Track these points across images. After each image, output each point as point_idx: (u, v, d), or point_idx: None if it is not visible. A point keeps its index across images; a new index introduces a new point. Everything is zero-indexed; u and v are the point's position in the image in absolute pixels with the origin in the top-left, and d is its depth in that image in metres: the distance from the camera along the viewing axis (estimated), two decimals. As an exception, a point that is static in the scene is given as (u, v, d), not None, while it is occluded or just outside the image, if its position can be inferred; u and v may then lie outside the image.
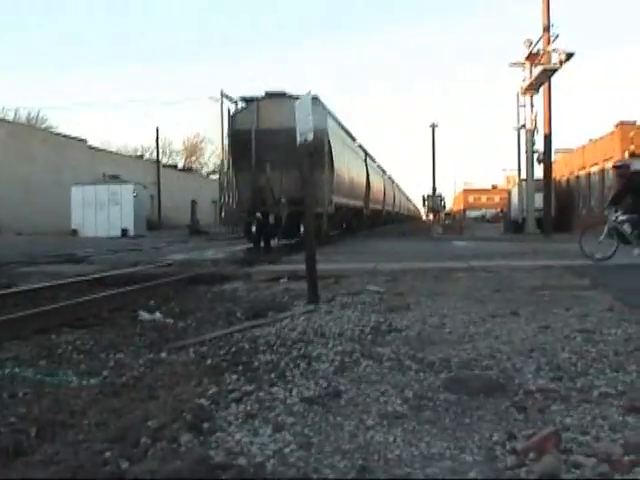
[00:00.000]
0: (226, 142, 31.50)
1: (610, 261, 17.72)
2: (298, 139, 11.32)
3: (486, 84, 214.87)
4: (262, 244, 29.20)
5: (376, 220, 54.68)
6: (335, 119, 34.32)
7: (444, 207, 58.57)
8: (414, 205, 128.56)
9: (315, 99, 24.41)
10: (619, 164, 19.81)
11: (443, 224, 55.50)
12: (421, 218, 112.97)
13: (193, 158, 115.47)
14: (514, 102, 44.31)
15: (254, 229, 28.14)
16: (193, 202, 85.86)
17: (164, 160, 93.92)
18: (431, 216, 50.76)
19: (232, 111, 31.35)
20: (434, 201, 48.24)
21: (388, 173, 68.50)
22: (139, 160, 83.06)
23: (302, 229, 22.98)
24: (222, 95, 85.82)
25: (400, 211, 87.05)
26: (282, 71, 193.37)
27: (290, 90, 28.31)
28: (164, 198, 72.69)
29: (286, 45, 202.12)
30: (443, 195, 54.30)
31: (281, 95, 28.73)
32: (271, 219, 27.55)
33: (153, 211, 67.66)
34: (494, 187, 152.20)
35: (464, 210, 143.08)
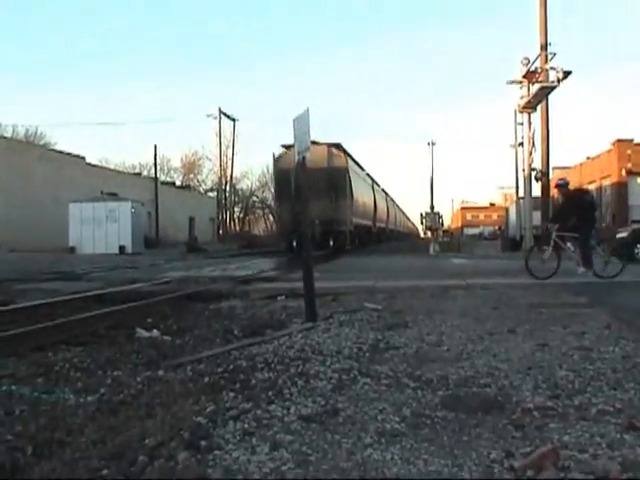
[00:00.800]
0: (269, 180, 47.80)
1: (615, 279, 17.71)
2: (296, 157, 11.34)
3: (483, 102, 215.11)
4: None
5: (381, 236, 64.36)
6: (353, 159, 46.79)
7: (442, 225, 58.42)
8: (412, 223, 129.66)
9: (338, 146, 41.36)
10: (560, 182, 19.57)
11: (441, 241, 55.48)
12: (419, 235, 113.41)
13: (191, 175, 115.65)
14: (512, 120, 44.49)
15: (294, 244, 37.78)
16: (191, 219, 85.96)
17: (162, 177, 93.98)
18: (429, 233, 50.60)
19: (276, 155, 42.57)
20: (432, 219, 48.18)
21: (389, 193, 77.89)
22: (137, 177, 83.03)
23: (331, 243, 39.51)
24: (220, 113, 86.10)
25: (399, 229, 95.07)
26: (280, 89, 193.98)
27: (317, 137, 36.53)
28: (162, 215, 72.68)
29: (284, 63, 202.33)
30: (441, 213, 54.31)
31: (313, 142, 27.69)
32: (315, 237, 32.93)
33: (151, 228, 67.63)
34: (492, 205, 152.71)
35: (462, 228, 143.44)
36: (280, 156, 41.80)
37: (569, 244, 18.70)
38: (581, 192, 20.31)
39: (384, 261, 31.48)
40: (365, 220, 50.48)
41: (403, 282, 17.22)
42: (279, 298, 14.48)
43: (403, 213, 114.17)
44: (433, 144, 67.71)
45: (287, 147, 39.57)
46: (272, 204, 56.12)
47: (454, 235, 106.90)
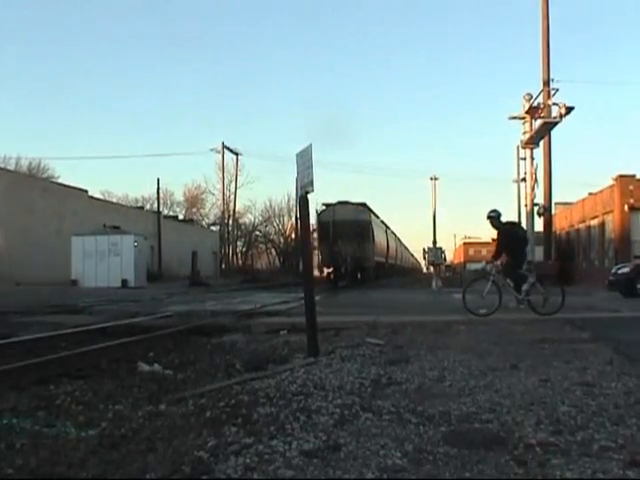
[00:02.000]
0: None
1: (609, 314, 17.71)
2: (299, 192, 11.37)
3: (487, 138, 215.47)
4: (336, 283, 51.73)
5: (390, 271, 75.40)
6: (374, 213, 61.33)
7: (444, 260, 58.34)
8: (415, 258, 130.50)
9: (364, 204, 56.36)
10: (491, 214, 19.28)
11: (443, 276, 55.39)
12: (422, 270, 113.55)
13: (194, 209, 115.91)
14: (514, 155, 44.61)
15: (332, 276, 53.01)
16: (194, 253, 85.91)
17: (165, 211, 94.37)
18: (431, 269, 50.52)
19: (318, 210, 56.26)
20: (434, 254, 48.09)
21: (395, 233, 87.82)
22: (140, 211, 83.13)
23: (359, 275, 53.81)
24: (223, 147, 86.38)
25: (404, 264, 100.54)
26: (283, 124, 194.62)
27: (349, 197, 56.33)
28: (165, 249, 72.75)
29: (288, 98, 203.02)
30: (443, 248, 54.18)
31: (345, 202, 55.19)
32: (342, 270, 52.36)
33: (153, 262, 67.64)
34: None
35: (464, 263, 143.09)
36: (322, 211, 56.06)
37: (508, 280, 18.70)
38: (512, 225, 20.09)
39: (387, 296, 31.51)
40: (381, 258, 64.31)
41: (405, 317, 17.21)
42: (281, 332, 14.47)
43: (407, 249, 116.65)
44: (435, 179, 67.85)
45: (326, 205, 56.10)
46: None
47: (457, 270, 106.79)
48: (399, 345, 11.89)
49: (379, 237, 62.45)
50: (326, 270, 54.66)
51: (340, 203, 55.28)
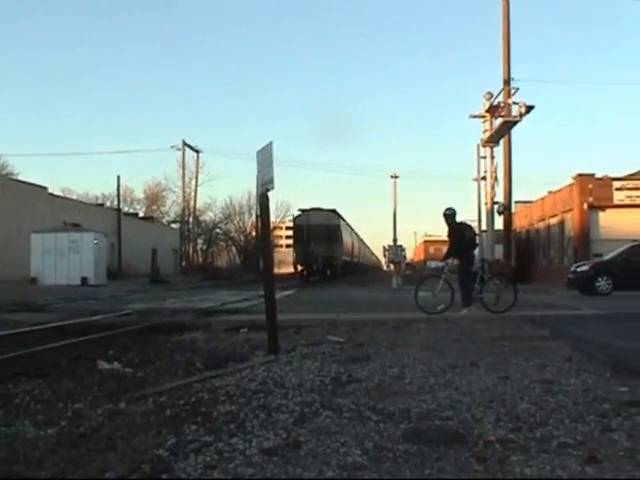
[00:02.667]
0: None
1: (568, 312, 17.84)
2: (260, 190, 11.35)
3: (448, 136, 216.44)
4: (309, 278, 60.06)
5: (354, 269, 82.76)
6: (342, 218, 70.05)
7: (404, 258, 58.43)
8: (376, 256, 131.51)
9: (334, 210, 64.99)
10: (446, 212, 19.16)
11: (403, 274, 55.46)
12: (382, 268, 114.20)
13: (154, 207, 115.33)
14: (474, 153, 44.75)
15: (305, 272, 61.80)
16: (154, 251, 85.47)
17: (125, 208, 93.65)
18: (392, 266, 50.55)
19: (294, 216, 68.14)
20: (394, 252, 48.09)
21: (358, 234, 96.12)
22: (100, 208, 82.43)
23: (328, 272, 62.05)
24: (184, 144, 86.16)
25: (365, 262, 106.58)
26: (244, 122, 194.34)
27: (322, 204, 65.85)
28: (125, 246, 72.34)
29: (248, 97, 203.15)
30: (404, 246, 54.18)
31: (318, 209, 64.50)
32: (314, 267, 61.22)
33: (113, 259, 67.22)
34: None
35: (425, 260, 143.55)
36: (297, 216, 66.18)
37: (459, 279, 18.72)
38: (464, 226, 19.85)
39: (347, 294, 31.49)
40: (348, 257, 73.81)
41: (366, 315, 17.24)
42: (241, 330, 14.43)
43: (368, 247, 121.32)
44: (396, 177, 67.60)
45: (302, 210, 65.82)
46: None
47: (417, 268, 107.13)
48: (360, 343, 11.91)
49: (346, 239, 72.30)
50: (300, 267, 63.45)
51: (313, 209, 64.92)
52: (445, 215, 19.02)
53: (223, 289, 36.83)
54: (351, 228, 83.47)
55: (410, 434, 5.57)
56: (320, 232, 60.86)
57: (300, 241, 62.61)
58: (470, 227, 20.87)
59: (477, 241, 20.17)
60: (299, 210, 67.30)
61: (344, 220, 72.83)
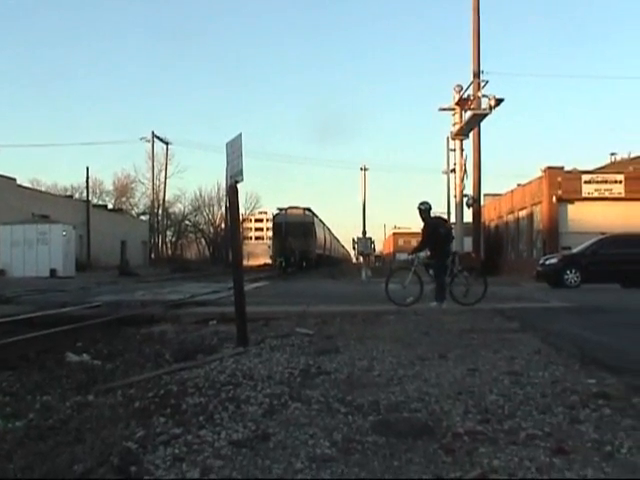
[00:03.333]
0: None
1: (537, 304, 17.94)
2: (229, 182, 11.33)
3: (418, 128, 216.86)
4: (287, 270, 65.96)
5: (327, 261, 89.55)
6: (316, 215, 79.97)
7: (374, 250, 58.60)
8: (345, 249, 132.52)
9: (309, 209, 76.63)
10: (421, 206, 18.91)
11: (373, 267, 55.59)
12: (351, 260, 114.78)
13: (123, 199, 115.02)
14: (444, 146, 44.94)
15: (283, 264, 67.60)
16: (123, 243, 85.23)
17: (94, 200, 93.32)
18: (361, 259, 50.63)
19: (274, 213, 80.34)
20: (364, 244, 48.15)
21: (328, 227, 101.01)
22: (69, 200, 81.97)
23: (304, 264, 69.72)
24: (153, 136, 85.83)
25: (335, 255, 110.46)
26: (213, 114, 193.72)
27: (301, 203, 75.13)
28: (94, 239, 72.15)
29: (218, 89, 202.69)
30: (373, 238, 54.23)
31: (295, 207, 74.67)
32: (292, 260, 68.12)
33: (82, 251, 66.96)
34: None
35: (394, 253, 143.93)
36: (276, 214, 77.13)
37: (431, 271, 18.69)
38: (439, 221, 19.75)
39: (316, 286, 31.54)
40: (321, 251, 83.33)
41: (335, 307, 17.27)
42: (210, 323, 14.42)
43: (338, 240, 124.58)
44: (366, 169, 67.70)
45: (280, 209, 76.52)
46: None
47: (386, 260, 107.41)
48: (329, 335, 11.91)
49: (320, 234, 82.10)
50: (278, 260, 70.94)
51: (291, 208, 75.71)
52: (420, 209, 18.83)
53: (192, 281, 36.81)
54: (324, 224, 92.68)
55: (379, 426, 5.58)
56: (296, 228, 69.93)
57: (278, 236, 71.85)
58: (445, 221, 20.92)
59: (453, 235, 20.10)
60: (277, 209, 78.03)
61: (318, 217, 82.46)
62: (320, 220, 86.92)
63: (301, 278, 43.83)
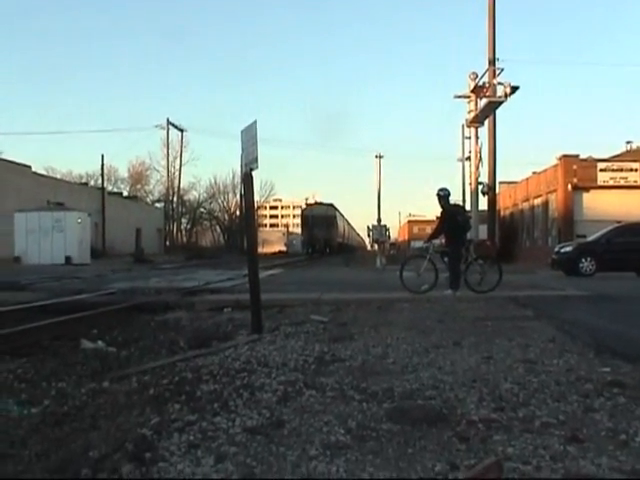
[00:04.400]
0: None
1: (552, 292, 17.91)
2: (244, 169, 11.33)
3: (432, 116, 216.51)
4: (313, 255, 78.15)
5: (344, 248, 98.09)
6: (337, 209, 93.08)
7: (389, 237, 58.48)
8: (361, 237, 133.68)
9: (332, 204, 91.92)
10: (440, 192, 18.75)
11: (387, 254, 55.53)
12: (366, 248, 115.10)
13: (138, 186, 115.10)
14: (459, 134, 44.79)
15: (310, 250, 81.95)
16: (138, 230, 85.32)
17: (109, 188, 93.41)
18: (376, 246, 50.51)
19: (303, 207, 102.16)
20: (379, 232, 47.99)
21: (343, 212, 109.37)
22: (84, 187, 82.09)
23: (328, 250, 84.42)
24: (168, 123, 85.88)
25: (350, 243, 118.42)
26: (229, 102, 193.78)
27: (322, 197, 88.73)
28: (109, 226, 72.21)
29: (234, 76, 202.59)
30: (388, 226, 54.17)
31: (320, 203, 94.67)
32: (317, 247, 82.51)
33: (97, 239, 67.07)
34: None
35: (409, 240, 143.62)
36: (304, 209, 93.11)
37: (446, 259, 18.55)
38: (457, 208, 19.75)
39: (331, 273, 31.55)
40: (340, 239, 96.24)
41: (349, 295, 17.25)
42: (225, 310, 14.43)
43: (353, 229, 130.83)
44: (381, 157, 67.77)
45: (307, 204, 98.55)
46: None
47: (401, 248, 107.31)
48: (343, 322, 11.92)
49: (340, 226, 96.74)
50: (306, 247, 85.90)
51: (316, 204, 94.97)
52: (439, 195, 18.68)
53: (207, 268, 36.75)
54: (343, 216, 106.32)
55: (393, 413, 5.58)
56: (321, 221, 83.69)
57: (306, 227, 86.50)
58: (463, 209, 20.81)
59: (470, 224, 19.97)
60: (306, 204, 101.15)
61: (339, 211, 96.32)
62: (341, 213, 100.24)
63: (317, 266, 43.79)
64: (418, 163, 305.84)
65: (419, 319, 12.33)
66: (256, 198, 36.77)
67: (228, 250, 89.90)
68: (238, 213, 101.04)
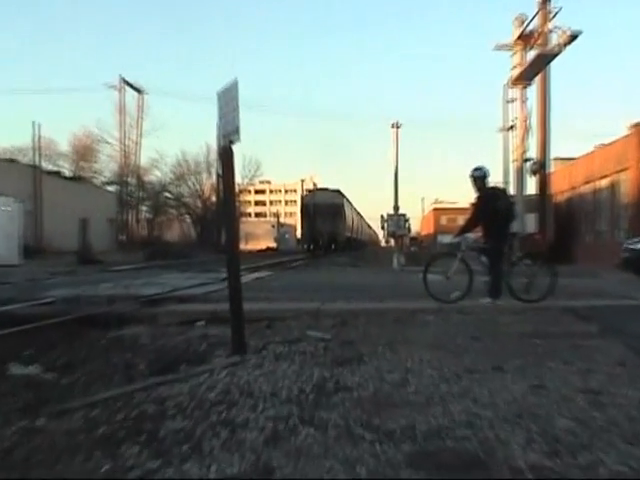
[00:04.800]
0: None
1: (621, 301, 17.89)
2: (222, 142, 11.27)
3: (464, 75, 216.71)
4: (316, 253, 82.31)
5: (354, 244, 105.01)
6: (345, 197, 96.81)
7: (409, 230, 58.12)
8: (373, 230, 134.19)
9: (338, 191, 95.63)
10: (475, 173, 18.42)
11: (407, 252, 55.44)
12: (380, 243, 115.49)
13: (84, 163, 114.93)
14: (500, 96, 44.65)
15: (312, 247, 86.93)
16: (83, 221, 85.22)
17: (46, 166, 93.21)
18: (392, 242, 50.36)
19: (302, 195, 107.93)
20: (395, 223, 47.66)
21: (354, 206, 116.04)
22: (11, 165, 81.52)
23: (333, 246, 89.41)
24: (123, 82, 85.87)
25: (361, 237, 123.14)
26: (195, 56, 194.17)
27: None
28: (46, 215, 72.25)
29: (202, 24, 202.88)
30: (408, 215, 53.70)
31: (324, 189, 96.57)
32: (321, 242, 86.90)
33: (31, 233, 67.04)
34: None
35: (435, 234, 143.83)
36: (305, 196, 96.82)
37: (484, 258, 18.43)
38: (497, 192, 19.36)
39: (334, 277, 31.60)
40: (349, 233, 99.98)
41: (358, 304, 17.27)
42: (198, 324, 14.44)
43: (364, 220, 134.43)
44: (398, 127, 67.08)
45: (309, 191, 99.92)
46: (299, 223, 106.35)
47: (424, 244, 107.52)
48: (350, 340, 11.93)
49: (349, 217, 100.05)
50: (306, 242, 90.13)
51: (319, 189, 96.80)
52: (473, 177, 18.45)
53: (174, 270, 36.85)
54: (352, 205, 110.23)
55: (416, 458, 5.58)
56: (326, 210, 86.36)
57: (307, 218, 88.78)
58: (505, 193, 20.62)
59: (514, 213, 19.69)
60: (307, 190, 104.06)
61: (347, 199, 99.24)
62: (349, 201, 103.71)
63: (317, 266, 43.88)
64: (446, 136, 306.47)
65: (448, 336, 12.34)
66: (238, 180, 36.53)
67: (201, 246, 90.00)
68: (214, 199, 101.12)
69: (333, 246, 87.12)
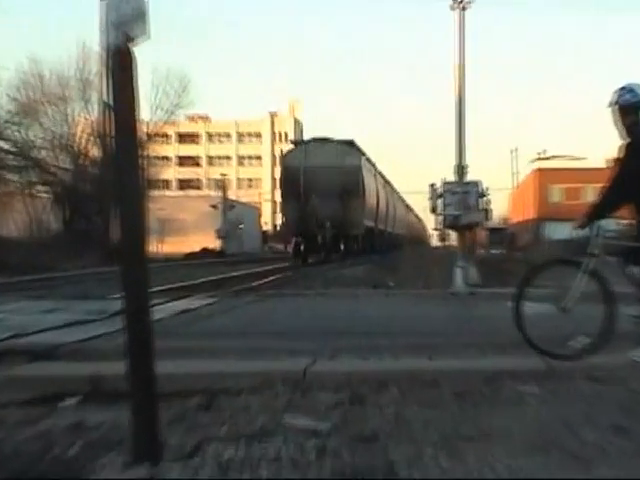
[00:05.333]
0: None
1: None
2: (110, 40, 11.10)
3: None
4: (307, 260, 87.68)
5: (380, 241, 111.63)
6: (364, 154, 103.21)
7: (487, 217, 55.58)
8: (415, 215, 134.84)
9: (351, 143, 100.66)
10: (622, 99, 17.47)
11: (484, 257, 55.13)
12: (428, 240, 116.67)
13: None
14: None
15: (301, 248, 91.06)
16: None
17: None
18: (452, 237, 49.57)
19: (284, 151, 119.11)
20: (460, 199, 45.81)
21: (386, 177, 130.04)
22: None
23: (342, 247, 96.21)
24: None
25: (391, 229, 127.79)
26: None
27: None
28: None
29: None
30: (485, 185, 50.89)
31: (325, 139, 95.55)
32: (318, 239, 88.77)
33: None
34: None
35: (537, 223, 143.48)
36: (289, 151, 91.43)
37: (632, 269, 17.73)
38: None
39: (341, 307, 31.64)
40: (371, 222, 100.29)
41: (383, 362, 17.21)
42: (66, 402, 14.39)
43: (398, 195, 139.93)
44: (464, 9, 66.61)
45: (296, 143, 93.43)
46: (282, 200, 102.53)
47: (517, 241, 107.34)
48: (367, 434, 11.81)
49: (370, 191, 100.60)
50: (293, 240, 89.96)
51: (316, 141, 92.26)
52: (619, 106, 17.78)
53: (19, 295, 36.81)
54: (376, 169, 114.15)
55: None
56: (328, 180, 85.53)
57: (292, 196, 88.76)
58: None
59: None
60: (291, 142, 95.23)
61: (368, 159, 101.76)
62: (372, 163, 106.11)
63: (307, 284, 44.04)
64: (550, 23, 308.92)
65: (566, 426, 12.27)
66: (145, 114, 36.19)
67: (72, 247, 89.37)
68: (96, 153, 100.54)
69: (342, 246, 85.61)
